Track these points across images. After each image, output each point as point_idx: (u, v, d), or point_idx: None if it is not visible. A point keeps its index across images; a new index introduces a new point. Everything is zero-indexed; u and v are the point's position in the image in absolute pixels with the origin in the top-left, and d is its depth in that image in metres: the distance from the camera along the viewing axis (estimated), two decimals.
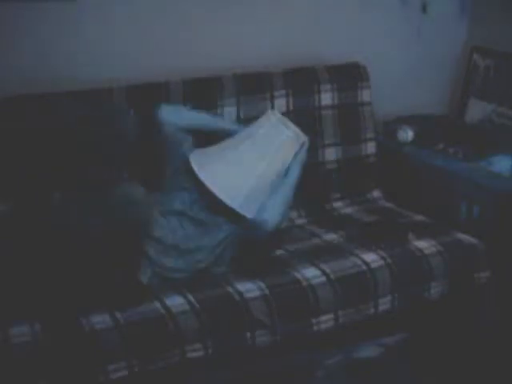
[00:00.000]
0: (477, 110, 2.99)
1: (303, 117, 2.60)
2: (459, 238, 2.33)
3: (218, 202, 2.10)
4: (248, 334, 1.93)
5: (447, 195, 2.57)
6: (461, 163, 2.64)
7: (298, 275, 2.05)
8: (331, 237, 2.34)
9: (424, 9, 2.92)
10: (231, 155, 2.20)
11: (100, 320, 1.81)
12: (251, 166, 2.18)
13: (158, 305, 1.89)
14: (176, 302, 1.90)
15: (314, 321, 2.02)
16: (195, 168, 2.14)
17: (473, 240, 2.32)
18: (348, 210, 2.60)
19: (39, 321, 1.77)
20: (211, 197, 2.11)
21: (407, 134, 2.82)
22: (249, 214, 2.14)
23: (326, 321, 2.04)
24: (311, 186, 2.53)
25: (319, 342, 2.06)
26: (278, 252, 2.22)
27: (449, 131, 2.86)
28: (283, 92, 2.58)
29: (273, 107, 2.54)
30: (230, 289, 1.97)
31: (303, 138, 2.28)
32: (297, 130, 2.26)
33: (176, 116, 2.30)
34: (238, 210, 2.12)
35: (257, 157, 2.19)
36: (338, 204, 2.63)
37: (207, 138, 2.32)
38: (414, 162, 2.73)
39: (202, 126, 2.35)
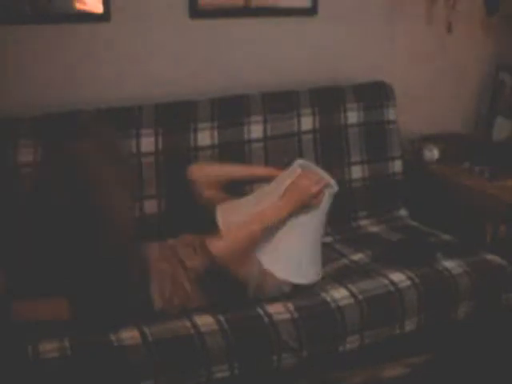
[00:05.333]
0: (504, 129, 2.97)
1: (329, 135, 2.62)
2: (486, 258, 2.32)
3: None
4: (275, 357, 1.93)
5: (474, 214, 2.57)
6: (487, 182, 2.63)
7: (326, 296, 2.06)
8: (358, 256, 2.34)
9: (449, 28, 2.93)
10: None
11: (129, 336, 1.83)
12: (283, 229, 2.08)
13: (186, 323, 1.91)
14: (205, 320, 1.92)
15: (340, 342, 2.02)
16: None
17: (500, 260, 2.31)
18: (374, 229, 2.60)
19: (68, 336, 1.80)
20: None
21: (433, 153, 2.82)
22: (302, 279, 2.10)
23: (352, 341, 2.04)
24: (337, 204, 2.55)
25: (345, 361, 2.07)
26: None
27: (475, 150, 2.86)
28: (310, 110, 2.60)
29: (299, 125, 2.57)
30: (259, 310, 1.98)
31: (335, 187, 2.13)
32: (326, 175, 2.14)
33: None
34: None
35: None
36: (363, 222, 2.64)
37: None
38: (439, 181, 2.74)
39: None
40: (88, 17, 2.38)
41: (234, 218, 2.06)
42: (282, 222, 2.04)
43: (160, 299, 1.95)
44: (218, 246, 1.97)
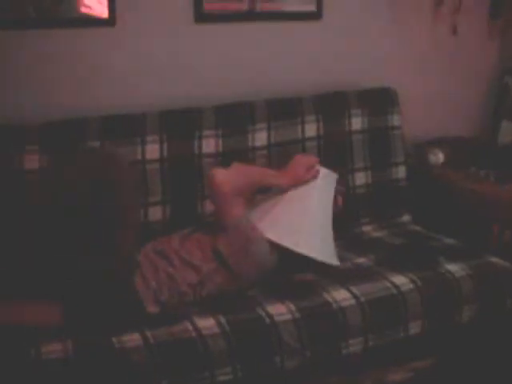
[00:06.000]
0: (509, 132, 2.97)
1: (333, 142, 2.62)
2: (491, 262, 2.31)
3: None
4: (277, 358, 1.93)
5: (478, 218, 2.56)
6: (493, 186, 2.63)
7: (328, 298, 2.05)
8: (361, 260, 2.34)
9: (454, 32, 2.93)
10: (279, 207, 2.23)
11: (130, 338, 1.83)
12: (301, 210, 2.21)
13: (188, 326, 1.90)
14: (207, 323, 1.91)
15: (343, 344, 2.02)
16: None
17: (504, 264, 2.30)
18: (377, 234, 2.60)
19: (71, 339, 1.81)
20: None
21: (438, 157, 2.82)
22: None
23: (355, 344, 2.03)
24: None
25: (349, 365, 2.06)
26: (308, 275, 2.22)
27: (480, 154, 2.86)
28: (314, 117, 2.60)
29: (303, 132, 2.57)
30: (261, 312, 1.98)
31: (335, 175, 2.33)
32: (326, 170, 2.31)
33: None
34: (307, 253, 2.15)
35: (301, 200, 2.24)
36: (367, 228, 2.64)
37: None
38: (445, 185, 2.73)
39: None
40: (93, 21, 2.39)
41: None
42: (276, 188, 2.24)
43: (146, 291, 1.97)
44: (221, 173, 2.10)
